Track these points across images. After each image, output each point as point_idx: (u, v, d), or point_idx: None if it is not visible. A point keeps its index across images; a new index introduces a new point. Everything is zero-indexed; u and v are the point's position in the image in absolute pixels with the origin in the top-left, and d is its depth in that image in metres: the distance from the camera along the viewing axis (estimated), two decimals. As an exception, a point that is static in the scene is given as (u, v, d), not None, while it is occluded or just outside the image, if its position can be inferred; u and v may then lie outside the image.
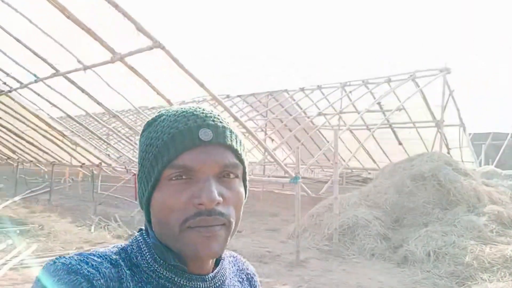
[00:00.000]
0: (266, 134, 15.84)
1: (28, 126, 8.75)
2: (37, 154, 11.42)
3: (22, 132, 9.68)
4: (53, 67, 5.41)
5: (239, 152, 0.63)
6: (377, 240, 5.78)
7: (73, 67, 5.29)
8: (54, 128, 8.38)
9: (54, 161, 11.34)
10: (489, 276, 4.36)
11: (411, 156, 8.86)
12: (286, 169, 5.76)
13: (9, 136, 10.37)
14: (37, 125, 8.50)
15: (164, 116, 0.64)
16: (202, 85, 5.34)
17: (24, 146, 10.95)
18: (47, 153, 10.91)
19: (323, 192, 7.43)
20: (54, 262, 0.54)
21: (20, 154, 12.47)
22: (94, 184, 9.79)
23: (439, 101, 11.44)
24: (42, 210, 9.10)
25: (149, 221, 0.64)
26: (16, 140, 10.64)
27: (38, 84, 6.04)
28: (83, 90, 6.12)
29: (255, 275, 0.80)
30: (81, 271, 0.53)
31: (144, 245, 0.63)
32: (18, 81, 6.24)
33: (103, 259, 0.58)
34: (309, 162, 10.28)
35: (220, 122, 0.62)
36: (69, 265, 0.53)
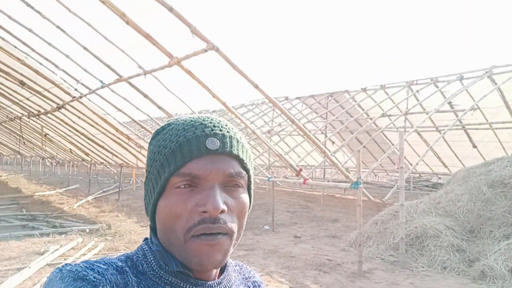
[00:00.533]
0: (326, 136, 15.44)
1: (98, 130, 9.27)
2: (107, 156, 12.10)
3: (93, 136, 10.29)
4: (116, 73, 5.64)
5: (245, 161, 0.64)
6: (449, 252, 5.26)
7: (134, 72, 5.46)
8: (121, 132, 8.79)
9: (122, 163, 11.95)
10: None
11: (487, 160, 8.05)
12: (347, 173, 5.46)
13: (82, 139, 11.09)
14: (105, 129, 8.97)
15: (172, 125, 0.65)
16: (256, 86, 5.23)
17: (96, 148, 11.64)
18: (115, 155, 11.52)
19: (388, 198, 6.97)
20: (61, 270, 0.55)
21: (92, 156, 13.30)
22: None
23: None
24: (111, 210, 9.61)
25: (153, 227, 0.65)
26: (89, 143, 11.35)
27: (104, 90, 6.36)
28: (145, 95, 6.31)
29: (262, 283, 0.79)
30: (87, 278, 0.54)
31: (149, 253, 0.64)
32: (87, 87, 6.62)
33: (109, 266, 0.59)
34: (372, 166, 9.77)
35: (228, 131, 0.63)
36: (75, 272, 0.54)
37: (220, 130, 0.62)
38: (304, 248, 6.28)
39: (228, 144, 0.62)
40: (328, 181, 12.96)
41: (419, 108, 12.21)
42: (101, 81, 6.23)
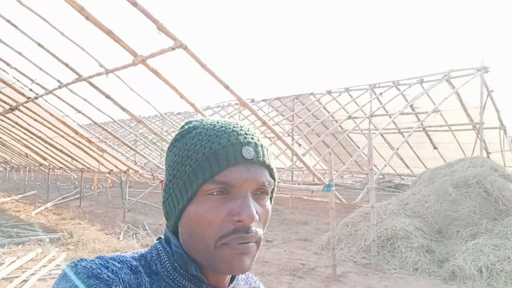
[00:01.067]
0: (293, 139, 15.47)
1: (56, 133, 8.75)
2: (67, 160, 11.49)
3: (51, 139, 9.71)
4: (75, 72, 5.27)
5: (273, 170, 0.64)
6: (420, 253, 5.29)
7: (95, 71, 5.13)
8: (81, 135, 8.33)
9: (83, 168, 11.38)
10: (555, 298, 3.83)
11: (450, 161, 8.27)
12: (319, 176, 5.38)
13: (39, 143, 10.45)
14: (64, 132, 8.48)
15: (200, 129, 0.64)
16: (227, 87, 5.07)
17: (54, 152, 11.02)
18: (76, 159, 10.95)
19: (358, 200, 6.97)
20: (76, 265, 0.55)
21: (50, 161, 12.61)
22: (123, 191, 9.71)
23: (476, 102, 10.82)
24: (72, 217, 9.10)
25: (173, 231, 0.65)
26: (46, 147, 10.72)
27: (62, 90, 5.95)
28: (107, 96, 5.98)
29: None
30: (100, 276, 0.54)
31: (163, 254, 0.63)
32: (43, 87, 6.17)
33: (123, 264, 0.59)
34: (340, 168, 9.82)
35: (258, 140, 0.64)
36: (90, 269, 0.54)
37: (252, 139, 0.63)
38: (276, 253, 6.14)
39: (261, 154, 0.62)
40: (299, 183, 12.94)
41: (382, 111, 12.46)
42: (58, 81, 5.82)
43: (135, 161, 11.89)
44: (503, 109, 11.44)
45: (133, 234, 7.19)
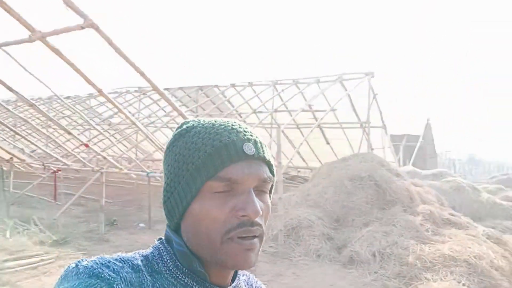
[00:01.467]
0: (196, 131, 15.31)
1: None
2: None
3: None
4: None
5: (273, 166, 0.67)
6: (321, 241, 5.72)
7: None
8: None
9: (-50, 155, 9.69)
10: (432, 276, 4.49)
11: (344, 156, 9.08)
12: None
13: None
14: None
15: (199, 128, 0.65)
16: (142, 74, 4.83)
17: None
18: None
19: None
20: (77, 265, 0.55)
21: None
22: (4, 182, 8.50)
23: (364, 103, 12.02)
24: None
25: (175, 230, 0.66)
26: None
27: None
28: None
29: None
30: (102, 275, 0.54)
31: (165, 253, 0.64)
32: None
33: (124, 263, 0.59)
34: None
35: (256, 137, 0.66)
36: (91, 269, 0.55)
37: (251, 136, 0.65)
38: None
39: (261, 150, 0.64)
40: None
41: (283, 107, 13.09)
42: None
43: (22, 149, 10.51)
44: (384, 110, 12.99)
45: (24, 230, 6.39)
